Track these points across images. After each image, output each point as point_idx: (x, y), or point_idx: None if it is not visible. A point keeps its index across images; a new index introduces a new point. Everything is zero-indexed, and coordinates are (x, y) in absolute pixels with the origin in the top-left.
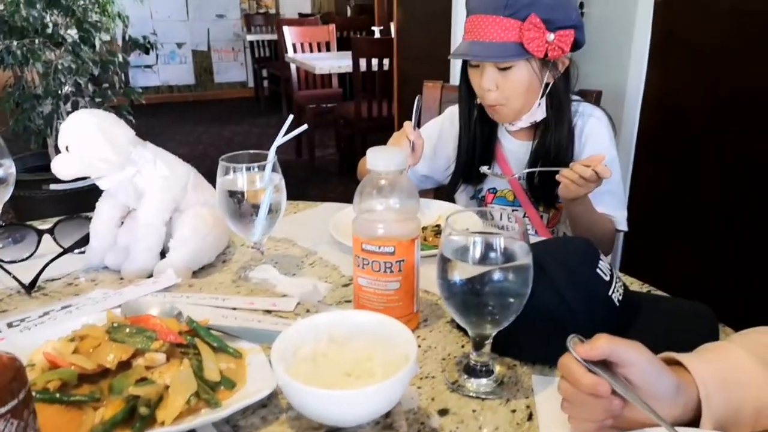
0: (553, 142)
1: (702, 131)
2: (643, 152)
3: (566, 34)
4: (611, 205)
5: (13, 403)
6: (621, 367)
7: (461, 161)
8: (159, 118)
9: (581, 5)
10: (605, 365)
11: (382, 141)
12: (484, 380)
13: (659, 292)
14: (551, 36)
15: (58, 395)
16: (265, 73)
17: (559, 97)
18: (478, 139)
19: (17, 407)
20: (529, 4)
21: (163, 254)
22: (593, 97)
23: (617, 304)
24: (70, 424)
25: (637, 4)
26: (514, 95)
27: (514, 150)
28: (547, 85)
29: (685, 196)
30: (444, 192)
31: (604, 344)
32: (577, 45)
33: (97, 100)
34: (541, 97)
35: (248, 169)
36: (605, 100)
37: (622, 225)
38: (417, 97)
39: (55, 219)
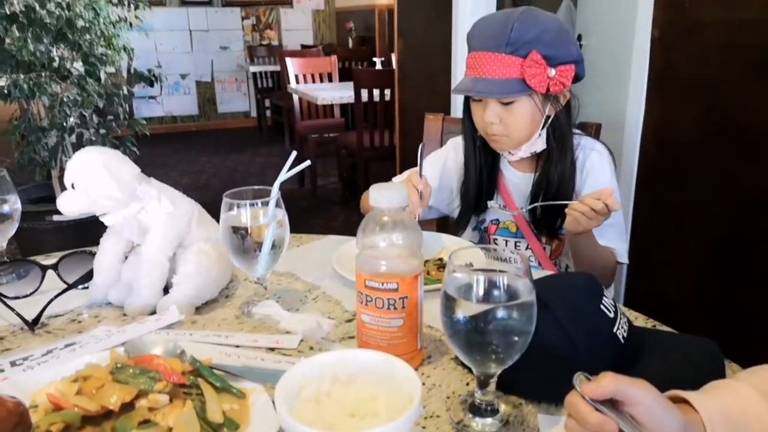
0: (556, 174)
1: (701, 162)
2: (644, 183)
3: (567, 69)
4: (613, 237)
5: None
6: (627, 406)
7: (468, 194)
8: (162, 148)
9: (579, 37)
10: (611, 403)
11: (384, 170)
12: (489, 420)
13: (664, 328)
14: (552, 71)
15: None
16: (267, 103)
17: (561, 130)
18: (483, 171)
19: None
20: (530, 42)
21: (166, 290)
22: (593, 130)
23: (622, 341)
24: None
25: (634, 37)
26: (517, 128)
27: (516, 182)
28: (548, 117)
29: (686, 227)
30: (447, 223)
31: (610, 383)
32: (577, 78)
33: (102, 131)
34: (542, 128)
35: (252, 205)
36: (605, 131)
37: (624, 257)
38: (420, 145)
39: (59, 254)
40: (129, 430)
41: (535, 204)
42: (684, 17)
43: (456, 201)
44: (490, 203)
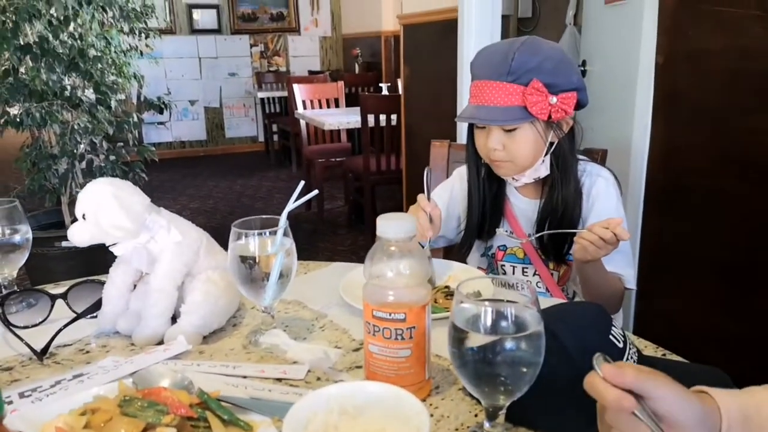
0: (560, 200)
1: (707, 187)
2: (651, 208)
3: (568, 97)
4: (621, 263)
5: None
6: (648, 400)
7: (473, 221)
8: (171, 173)
9: (583, 63)
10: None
11: (391, 194)
12: None
13: (674, 357)
14: (554, 99)
15: None
16: (275, 128)
17: (564, 156)
18: (488, 197)
19: None
20: (531, 70)
21: (174, 319)
22: (599, 156)
23: None
24: None
25: (639, 63)
26: (520, 154)
27: (523, 208)
28: (551, 144)
29: (694, 252)
30: (454, 251)
31: (631, 378)
32: (580, 105)
33: (112, 158)
34: (546, 154)
35: (260, 234)
36: (611, 156)
37: (631, 283)
38: (426, 170)
39: (68, 282)
40: None
41: (542, 233)
42: (687, 44)
43: (462, 227)
44: (498, 230)
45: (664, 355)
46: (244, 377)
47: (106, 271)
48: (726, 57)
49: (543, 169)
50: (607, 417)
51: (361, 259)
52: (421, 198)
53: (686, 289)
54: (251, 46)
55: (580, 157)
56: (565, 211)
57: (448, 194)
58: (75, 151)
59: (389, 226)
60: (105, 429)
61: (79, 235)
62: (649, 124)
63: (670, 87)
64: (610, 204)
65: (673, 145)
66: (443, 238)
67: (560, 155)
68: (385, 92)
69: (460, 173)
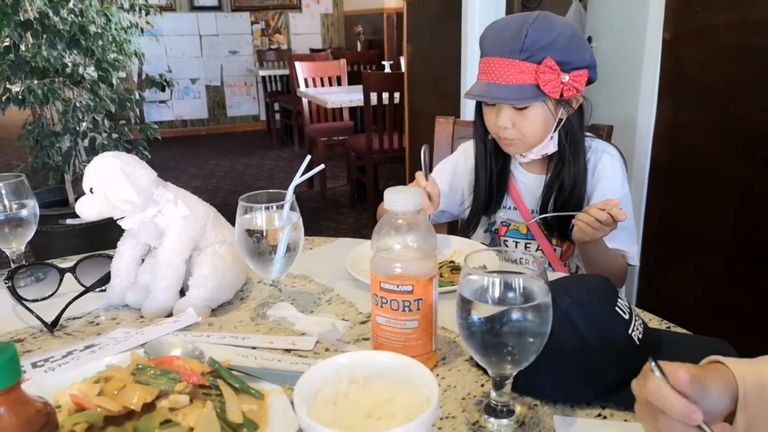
0: (569, 176)
1: (713, 165)
2: (656, 186)
3: (581, 74)
4: (624, 240)
5: None
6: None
7: (480, 195)
8: (173, 152)
9: (589, 39)
10: None
11: (393, 173)
12: (505, 421)
13: (678, 329)
14: (566, 77)
15: None
16: (276, 106)
17: (574, 133)
18: (494, 172)
19: None
20: (545, 48)
21: (182, 292)
22: (604, 132)
23: (637, 342)
24: None
25: (645, 39)
26: (530, 132)
27: (528, 183)
28: (560, 120)
29: (698, 230)
30: (458, 226)
31: (686, 383)
32: (589, 81)
33: (114, 136)
34: (555, 131)
35: (267, 208)
36: (616, 132)
37: (635, 260)
38: (423, 148)
39: (77, 257)
40: (151, 430)
41: (545, 215)
42: (695, 19)
43: (467, 203)
44: (502, 212)
45: (668, 327)
46: (254, 348)
47: (111, 249)
48: (735, 33)
49: (551, 145)
50: (662, 425)
51: (364, 238)
52: (419, 176)
53: (690, 266)
54: (252, 23)
55: (587, 133)
56: (573, 187)
57: (451, 169)
58: (78, 128)
59: (397, 199)
60: (119, 396)
61: (87, 209)
62: (655, 101)
63: (677, 64)
64: (615, 182)
65: (679, 123)
66: (447, 213)
67: (569, 132)
68: (387, 70)
69: (465, 149)
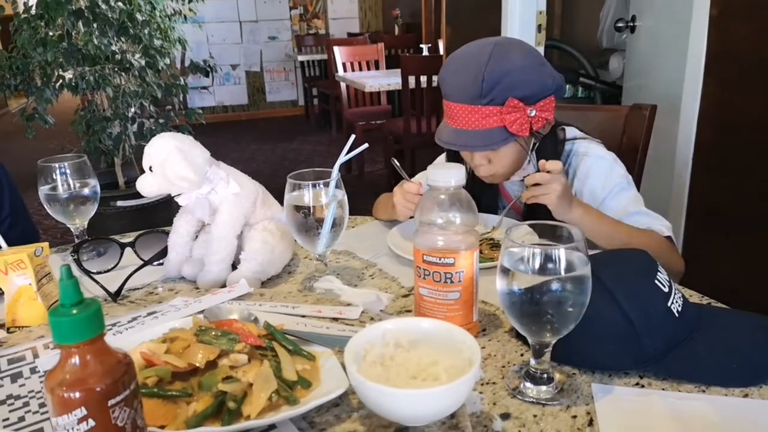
0: None
1: (758, 144)
2: (700, 166)
3: (547, 103)
4: (644, 221)
5: (125, 393)
6: None
7: None
8: (215, 138)
9: (633, 18)
10: None
11: (431, 156)
12: (544, 387)
13: (719, 305)
14: (533, 111)
15: (156, 390)
16: (315, 91)
17: (547, 151)
18: (479, 190)
19: (128, 397)
20: (505, 88)
21: (234, 266)
22: (647, 111)
23: (676, 314)
24: (168, 416)
25: (691, 17)
26: (506, 166)
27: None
28: (535, 144)
29: (743, 208)
30: None
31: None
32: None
33: (161, 121)
34: (531, 151)
35: (314, 186)
36: (660, 112)
37: (666, 232)
38: (392, 159)
39: (135, 233)
40: (214, 385)
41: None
42: None
43: None
44: (497, 217)
45: (709, 303)
46: (303, 316)
47: (160, 227)
48: None
49: (530, 167)
50: None
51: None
52: (405, 183)
53: (735, 246)
54: (290, 8)
55: (569, 135)
56: None
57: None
58: (126, 114)
59: (439, 174)
60: (184, 355)
61: (147, 187)
62: (701, 80)
63: (724, 41)
64: (597, 181)
65: (726, 102)
66: None
67: (543, 151)
68: (425, 53)
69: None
